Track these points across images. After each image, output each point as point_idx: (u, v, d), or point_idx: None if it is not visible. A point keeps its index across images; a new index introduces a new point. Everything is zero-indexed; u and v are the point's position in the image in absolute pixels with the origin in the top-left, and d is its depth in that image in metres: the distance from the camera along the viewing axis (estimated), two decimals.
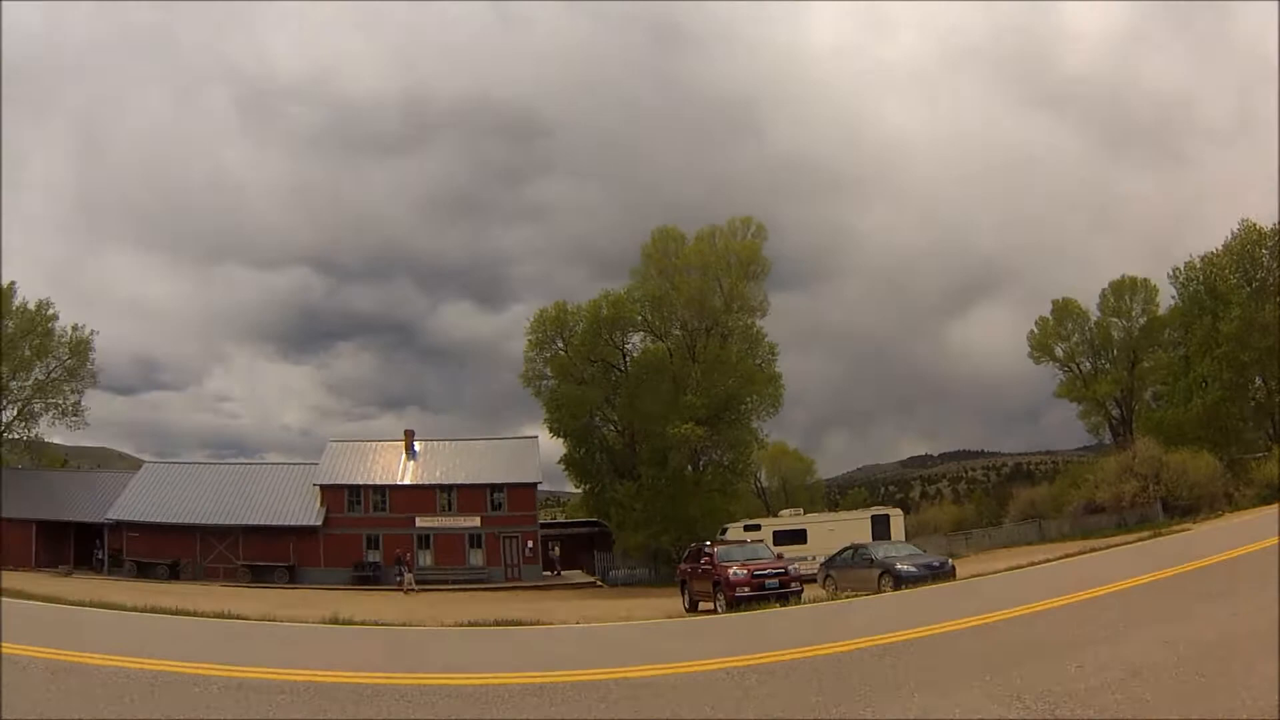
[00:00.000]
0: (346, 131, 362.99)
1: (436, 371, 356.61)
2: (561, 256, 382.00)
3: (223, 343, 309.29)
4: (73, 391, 59.94)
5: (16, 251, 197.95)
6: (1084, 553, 22.76)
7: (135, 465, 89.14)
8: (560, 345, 50.16)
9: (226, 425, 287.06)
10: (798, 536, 37.02)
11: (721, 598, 21.23)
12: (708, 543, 27.61)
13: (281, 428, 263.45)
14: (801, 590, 21.23)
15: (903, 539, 30.40)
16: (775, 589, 20.54)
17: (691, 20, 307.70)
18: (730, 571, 21.33)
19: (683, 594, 24.88)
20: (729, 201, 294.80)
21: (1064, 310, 59.22)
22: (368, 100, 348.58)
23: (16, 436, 59.93)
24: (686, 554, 26.99)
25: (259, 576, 45.53)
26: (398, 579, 40.77)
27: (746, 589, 20.57)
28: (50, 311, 59.32)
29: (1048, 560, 22.12)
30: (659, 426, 45.24)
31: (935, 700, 6.15)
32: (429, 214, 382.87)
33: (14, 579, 27.18)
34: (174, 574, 45.76)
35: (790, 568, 21.87)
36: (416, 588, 39.36)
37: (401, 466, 51.92)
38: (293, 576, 46.25)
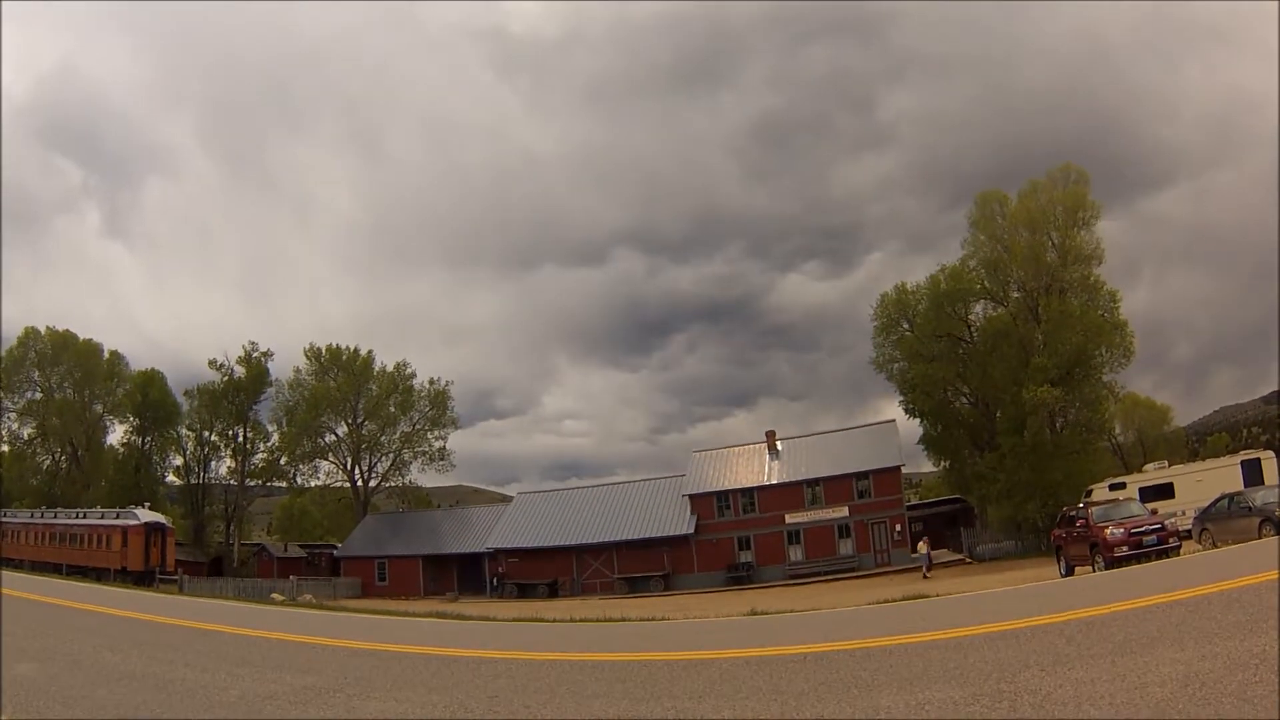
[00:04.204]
0: (636, 71, 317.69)
1: (784, 355, 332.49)
2: (912, 186, 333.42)
3: (554, 356, 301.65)
4: (437, 438, 69.75)
5: (329, 307, 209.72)
6: None
7: (489, 497, 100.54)
8: (906, 326, 51.42)
9: (570, 446, 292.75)
10: (1164, 491, 34.99)
11: (1099, 559, 21.16)
12: (1081, 505, 27.42)
13: (626, 439, 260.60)
14: (1180, 546, 21.06)
15: (1277, 484, 28.47)
16: (1154, 545, 20.47)
17: None
18: (1108, 531, 21.30)
19: (1058, 560, 25.13)
20: (1091, 80, 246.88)
21: None
22: (650, 25, 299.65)
23: (391, 485, 70.56)
24: (1059, 519, 26.98)
25: (635, 587, 49.55)
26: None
27: (1125, 548, 20.52)
28: (409, 370, 69.71)
29: None
30: (1012, 394, 45.14)
31: None
32: (753, 155, 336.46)
33: (410, 605, 32.98)
34: (553, 592, 51.14)
35: (1166, 523, 21.65)
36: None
37: (766, 467, 54.53)
38: (668, 584, 50.06)
